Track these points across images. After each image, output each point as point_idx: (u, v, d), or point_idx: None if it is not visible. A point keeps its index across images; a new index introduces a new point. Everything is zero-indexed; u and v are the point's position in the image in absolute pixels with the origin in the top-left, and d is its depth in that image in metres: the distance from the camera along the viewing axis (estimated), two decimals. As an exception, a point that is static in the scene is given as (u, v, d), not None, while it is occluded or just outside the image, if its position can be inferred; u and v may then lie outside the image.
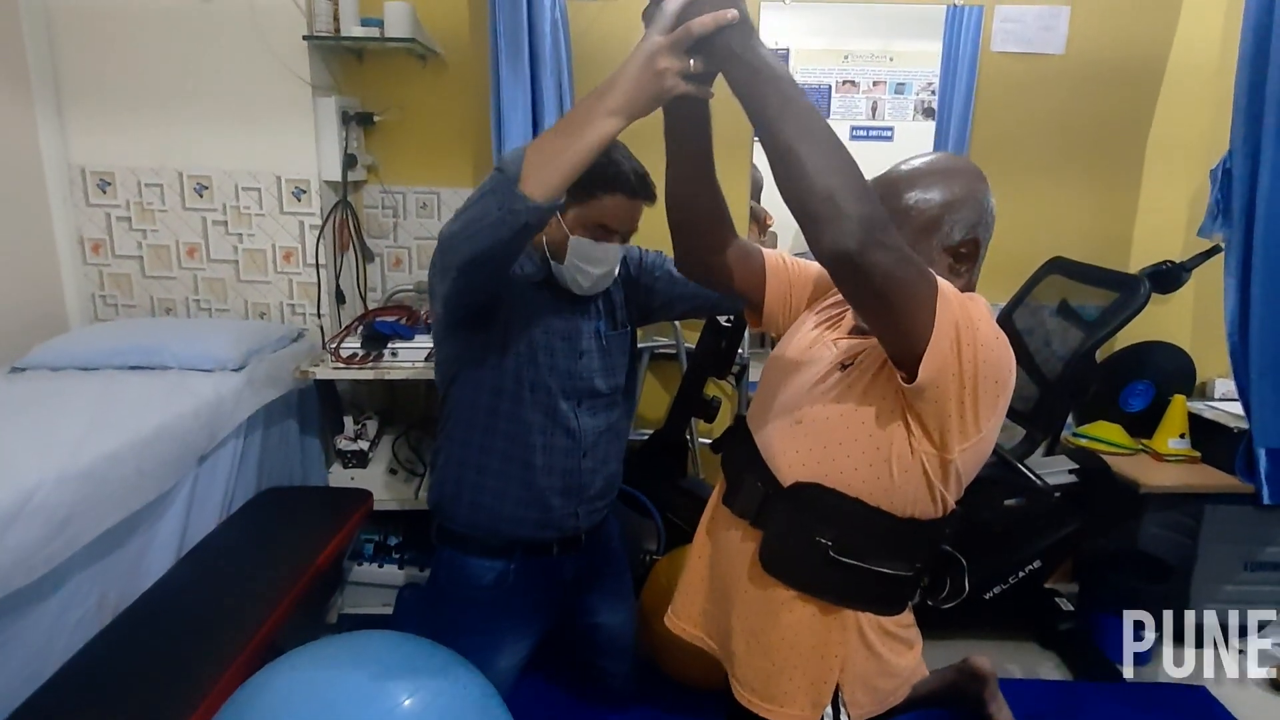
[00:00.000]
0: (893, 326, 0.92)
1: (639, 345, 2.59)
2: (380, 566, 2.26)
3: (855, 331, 1.14)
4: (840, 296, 1.22)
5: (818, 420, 1.05)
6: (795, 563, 1.08)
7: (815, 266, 1.25)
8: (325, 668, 1.20)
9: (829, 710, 1.10)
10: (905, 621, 1.16)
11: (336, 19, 2.17)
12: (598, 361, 1.59)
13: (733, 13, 0.88)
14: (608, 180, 1.43)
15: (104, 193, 2.30)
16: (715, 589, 1.21)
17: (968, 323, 0.92)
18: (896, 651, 1.14)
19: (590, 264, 1.47)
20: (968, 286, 1.07)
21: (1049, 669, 2.15)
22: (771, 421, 1.12)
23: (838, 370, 1.06)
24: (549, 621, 1.73)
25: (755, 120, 0.90)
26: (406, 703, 1.17)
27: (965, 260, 1.05)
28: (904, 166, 1.06)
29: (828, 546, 1.04)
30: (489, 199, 1.10)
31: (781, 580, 1.09)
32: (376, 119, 2.37)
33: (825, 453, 1.04)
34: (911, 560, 1.09)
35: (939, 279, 0.92)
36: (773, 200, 2.78)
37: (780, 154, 0.87)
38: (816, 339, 1.16)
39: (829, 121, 0.88)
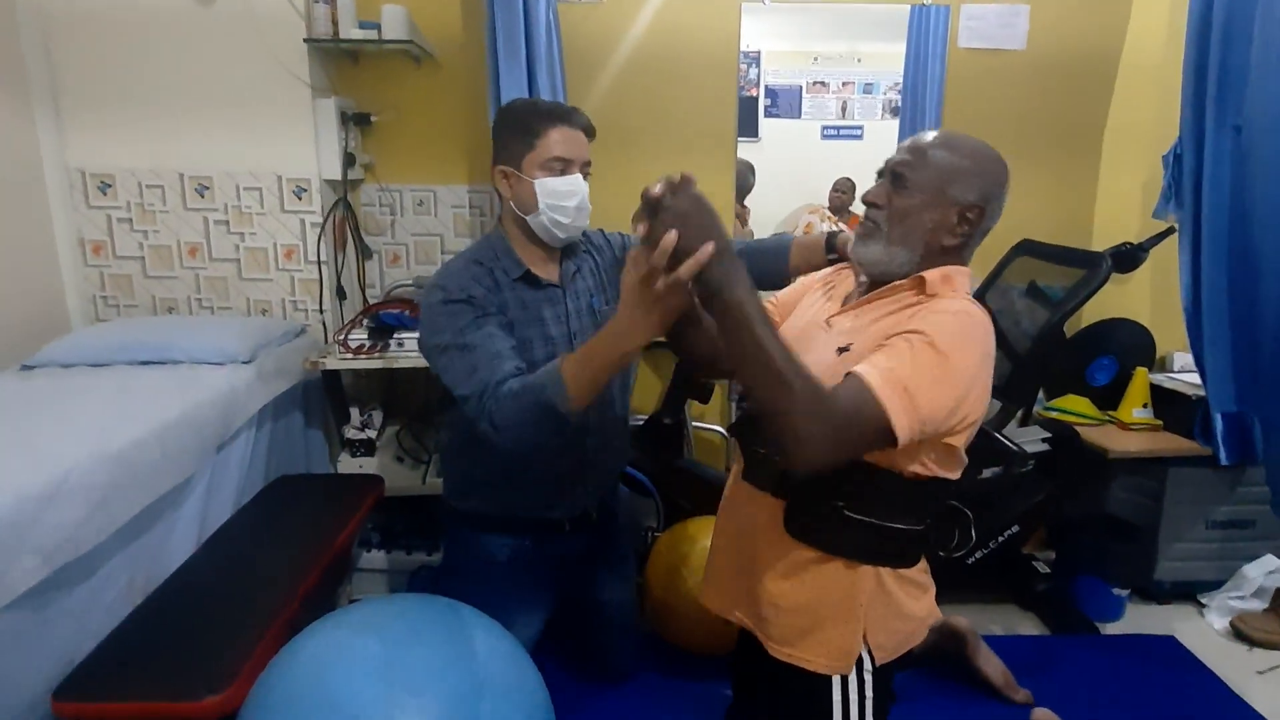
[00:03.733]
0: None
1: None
2: (388, 553, 2.31)
3: (847, 303, 1.25)
4: (829, 274, 1.35)
5: None
6: (815, 525, 1.17)
7: (793, 289, 1.39)
8: (368, 624, 1.26)
9: (863, 659, 1.20)
10: (921, 568, 1.26)
11: (335, 22, 2.24)
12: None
13: (709, 248, 0.94)
14: (544, 116, 1.49)
15: (104, 195, 2.34)
16: (740, 563, 1.30)
17: (918, 385, 1.01)
18: (913, 596, 1.24)
19: (562, 199, 1.49)
20: (957, 252, 1.17)
21: (1028, 627, 2.28)
22: None
23: (834, 354, 1.16)
24: (558, 598, 1.80)
25: (726, 351, 1.02)
26: (442, 658, 1.25)
27: (967, 223, 1.15)
28: (956, 133, 1.18)
29: (841, 507, 1.15)
30: (545, 416, 1.28)
31: (804, 542, 1.19)
32: (373, 119, 2.44)
33: None
34: (921, 516, 1.18)
35: (871, 380, 1.01)
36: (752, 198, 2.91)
37: (745, 386, 1.04)
38: (812, 320, 1.27)
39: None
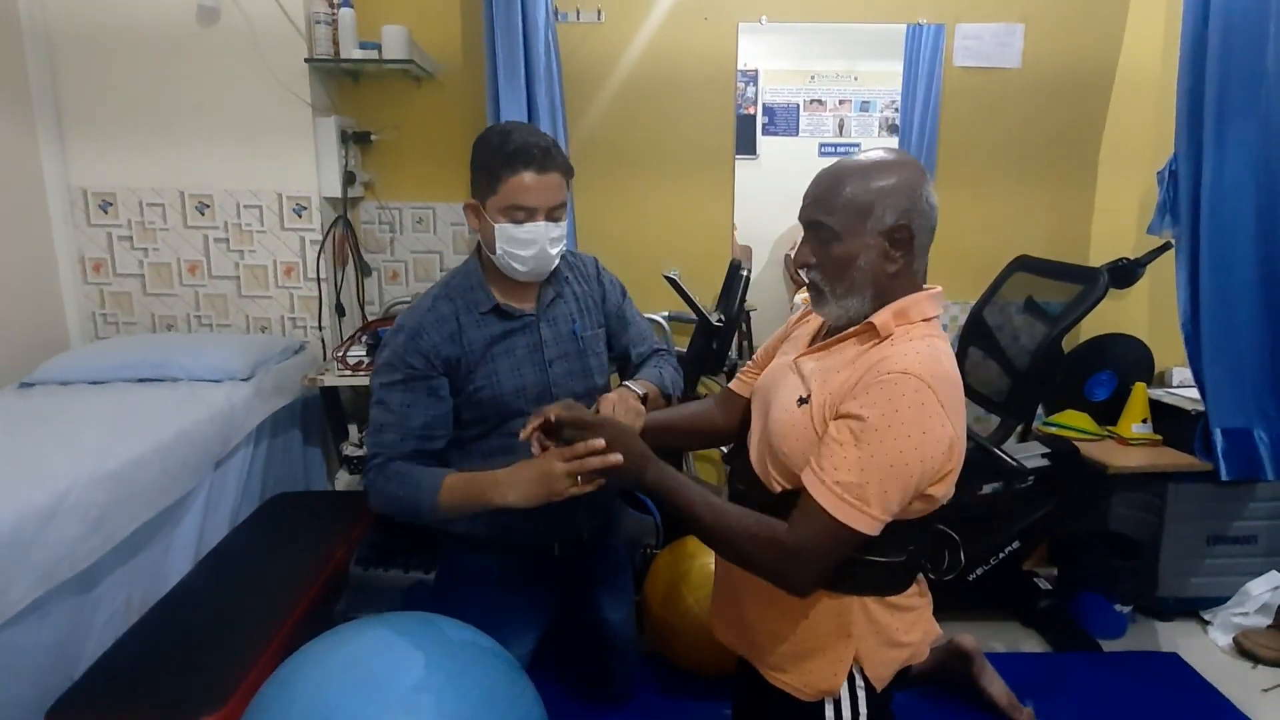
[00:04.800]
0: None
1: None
2: (385, 571, 2.29)
3: (813, 343, 1.26)
4: (801, 320, 1.36)
5: (787, 446, 1.16)
6: None
7: (776, 335, 1.42)
8: (365, 643, 1.25)
9: (855, 679, 1.20)
10: (913, 591, 1.25)
11: (336, 42, 2.27)
12: (574, 364, 1.60)
13: (615, 458, 1.17)
14: (509, 159, 1.42)
15: (105, 213, 2.35)
16: (732, 590, 1.31)
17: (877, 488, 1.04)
18: (906, 623, 1.23)
19: (518, 247, 1.46)
20: (905, 272, 1.14)
21: (1031, 644, 2.26)
22: (755, 441, 1.25)
23: (795, 403, 1.16)
24: (552, 617, 1.78)
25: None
26: (441, 677, 1.24)
27: (899, 246, 1.12)
28: (847, 161, 1.16)
29: None
30: (411, 510, 1.42)
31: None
32: (373, 138, 2.46)
33: (800, 471, 1.14)
34: (902, 545, 1.17)
35: (824, 500, 1.06)
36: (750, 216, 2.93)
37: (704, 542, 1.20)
38: (782, 362, 1.28)
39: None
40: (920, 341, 1.09)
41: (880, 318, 1.12)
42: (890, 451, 1.03)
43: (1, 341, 2.10)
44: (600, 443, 1.18)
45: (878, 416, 1.03)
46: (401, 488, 1.41)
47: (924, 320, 1.14)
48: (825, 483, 1.06)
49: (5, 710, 1.25)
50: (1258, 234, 2.14)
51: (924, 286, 1.19)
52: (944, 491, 1.12)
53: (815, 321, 1.31)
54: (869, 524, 1.05)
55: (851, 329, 1.16)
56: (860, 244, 1.11)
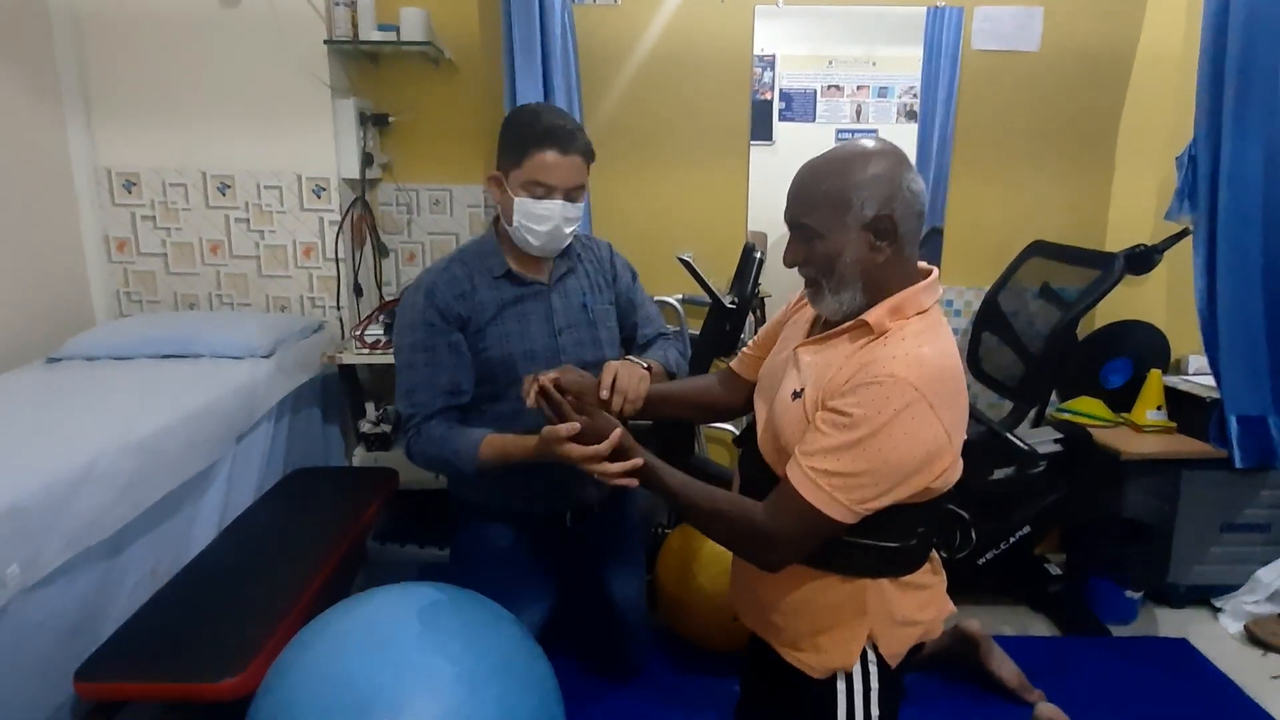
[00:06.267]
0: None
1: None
2: (401, 546, 2.34)
3: (812, 330, 1.27)
4: (800, 304, 1.37)
5: (785, 438, 1.18)
6: None
7: (774, 320, 1.44)
8: (382, 609, 1.29)
9: (868, 656, 1.22)
10: (925, 569, 1.27)
11: (354, 24, 2.28)
12: (584, 334, 1.66)
13: (637, 462, 1.24)
14: (536, 137, 1.48)
15: (129, 193, 2.39)
16: (746, 569, 1.33)
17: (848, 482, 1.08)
18: (919, 600, 1.25)
19: (534, 222, 1.52)
20: (895, 261, 1.14)
21: (1040, 628, 2.27)
22: (761, 431, 1.28)
23: (790, 397, 1.18)
24: (563, 589, 1.81)
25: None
26: (456, 643, 1.27)
27: (884, 236, 1.12)
28: (823, 157, 1.16)
29: None
30: (449, 470, 1.57)
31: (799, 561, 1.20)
32: (391, 120, 2.48)
33: None
34: (910, 530, 1.19)
35: (800, 485, 1.09)
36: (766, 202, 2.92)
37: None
38: (783, 351, 1.30)
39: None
40: (912, 340, 1.09)
41: (874, 315, 1.13)
42: (870, 451, 1.05)
43: (29, 318, 2.15)
44: (576, 427, 1.26)
45: (861, 417, 1.05)
46: (438, 452, 1.52)
47: (919, 314, 1.14)
48: (802, 467, 1.09)
49: (36, 667, 1.30)
50: (1277, 221, 2.13)
51: (919, 268, 1.19)
52: (942, 483, 1.13)
53: (810, 312, 1.33)
54: (842, 513, 1.08)
55: (846, 324, 1.17)
56: (844, 239, 1.12)
